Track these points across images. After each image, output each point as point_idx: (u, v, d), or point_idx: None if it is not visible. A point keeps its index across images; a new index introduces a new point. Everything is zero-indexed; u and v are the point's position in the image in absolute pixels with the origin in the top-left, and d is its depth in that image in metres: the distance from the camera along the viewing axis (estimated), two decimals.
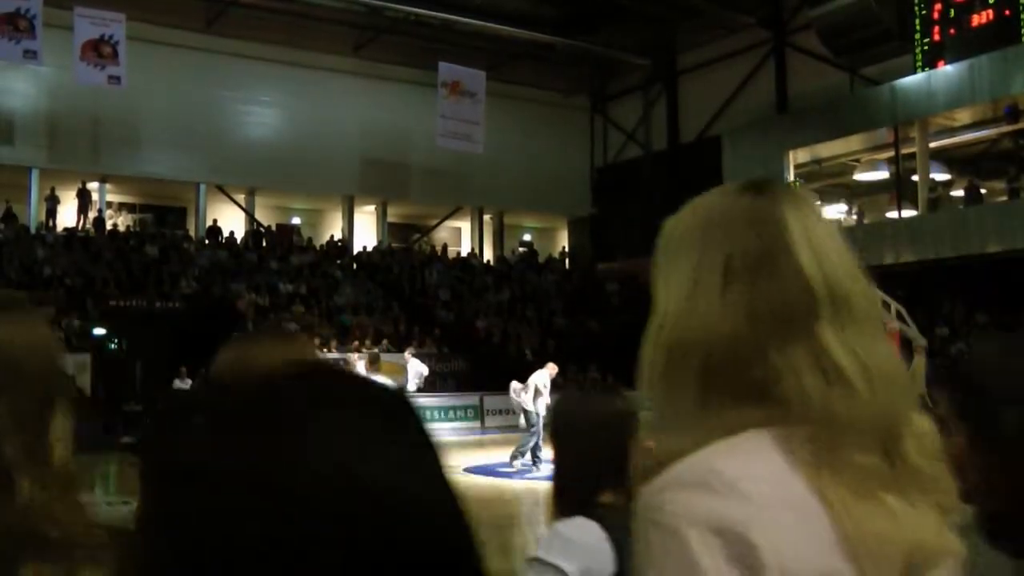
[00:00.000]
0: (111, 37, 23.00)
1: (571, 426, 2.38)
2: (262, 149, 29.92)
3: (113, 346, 22.69)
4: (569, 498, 2.28)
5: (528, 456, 15.40)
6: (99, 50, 23.02)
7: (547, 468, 14.47)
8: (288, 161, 30.03)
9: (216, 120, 29.49)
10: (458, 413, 23.95)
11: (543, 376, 15.52)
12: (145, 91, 26.74)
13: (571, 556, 2.08)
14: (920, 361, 19.30)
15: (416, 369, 23.33)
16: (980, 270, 22.57)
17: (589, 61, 33.33)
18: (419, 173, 32.28)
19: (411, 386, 23.01)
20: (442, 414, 22.40)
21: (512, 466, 15.25)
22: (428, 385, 23.81)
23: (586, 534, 2.13)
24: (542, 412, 14.91)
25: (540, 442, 15.02)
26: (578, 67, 33.84)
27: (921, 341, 19.61)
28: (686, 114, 32.67)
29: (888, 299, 19.24)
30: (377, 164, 31.65)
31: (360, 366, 21.40)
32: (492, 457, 16.98)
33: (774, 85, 29.57)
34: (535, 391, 15.24)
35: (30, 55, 22.05)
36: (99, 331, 22.57)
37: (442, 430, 21.99)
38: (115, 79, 23.10)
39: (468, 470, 15.27)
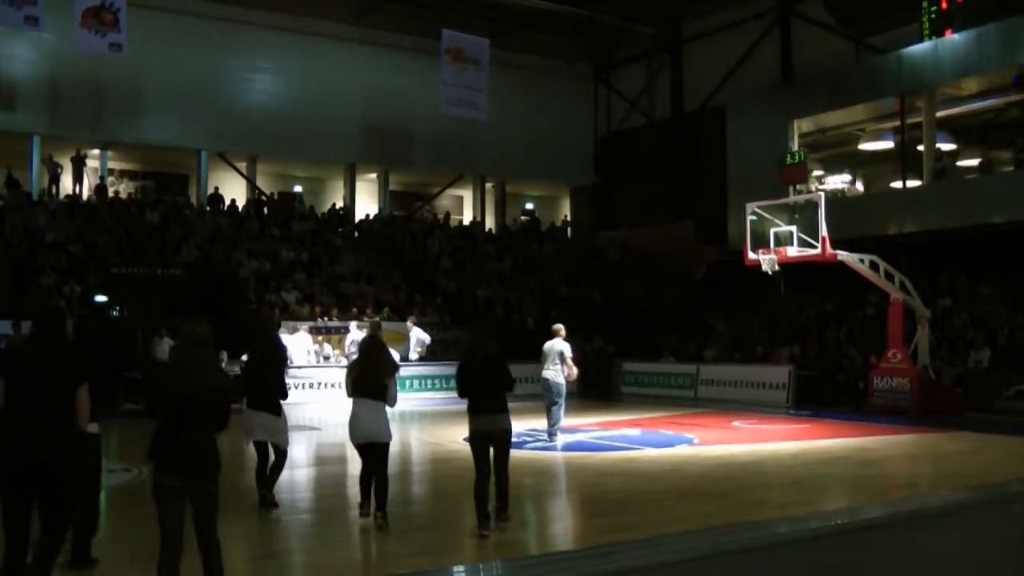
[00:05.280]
0: (112, 4, 22.73)
1: None
2: (264, 117, 29.79)
3: (115, 313, 22.67)
4: None
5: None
6: (100, 17, 22.75)
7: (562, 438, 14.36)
8: (290, 129, 29.93)
9: (218, 87, 29.33)
10: None
11: (564, 344, 14.70)
12: (147, 58, 26.57)
13: None
14: (923, 332, 19.37)
15: (418, 337, 23.35)
16: (984, 241, 22.50)
17: (593, 29, 33.03)
18: (421, 141, 32.13)
19: (413, 355, 23.04)
20: (443, 383, 22.35)
21: (554, 441, 14.54)
22: (429, 354, 23.83)
23: None
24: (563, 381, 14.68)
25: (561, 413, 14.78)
26: (582, 35, 33.57)
27: (924, 312, 19.66)
28: (690, 83, 32.43)
29: (891, 270, 19.25)
30: (379, 132, 31.52)
31: (361, 334, 21.49)
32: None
33: (779, 54, 29.32)
34: (560, 359, 14.60)
35: (31, 21, 21.81)
36: (101, 298, 22.55)
37: (443, 399, 22.02)
38: (116, 46, 22.85)
39: (469, 440, 15.10)
